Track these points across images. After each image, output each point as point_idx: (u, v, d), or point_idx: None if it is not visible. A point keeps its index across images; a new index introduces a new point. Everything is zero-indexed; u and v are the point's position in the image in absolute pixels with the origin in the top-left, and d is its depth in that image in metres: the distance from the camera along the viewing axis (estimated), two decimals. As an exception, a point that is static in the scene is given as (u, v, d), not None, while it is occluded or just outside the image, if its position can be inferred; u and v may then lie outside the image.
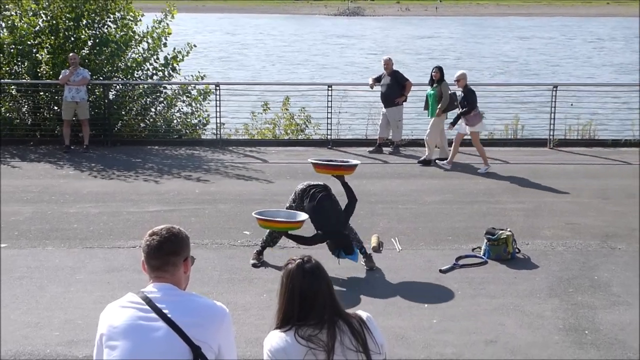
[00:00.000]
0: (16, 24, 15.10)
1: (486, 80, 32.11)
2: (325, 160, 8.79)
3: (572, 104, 16.72)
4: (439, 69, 13.66)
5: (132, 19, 15.86)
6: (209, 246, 9.13)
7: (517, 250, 8.85)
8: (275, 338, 3.16)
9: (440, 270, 8.34)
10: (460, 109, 13.12)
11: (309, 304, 3.17)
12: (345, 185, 8.38)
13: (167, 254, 3.24)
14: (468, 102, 12.97)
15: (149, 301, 3.16)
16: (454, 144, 13.36)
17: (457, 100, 13.35)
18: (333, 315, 3.18)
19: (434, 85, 13.63)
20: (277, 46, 54.28)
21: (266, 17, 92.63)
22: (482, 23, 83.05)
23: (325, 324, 3.14)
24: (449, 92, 13.42)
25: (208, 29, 69.60)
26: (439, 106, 13.43)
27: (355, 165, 8.51)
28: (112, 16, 15.76)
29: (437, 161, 13.61)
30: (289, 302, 3.19)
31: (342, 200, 8.33)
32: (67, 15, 15.20)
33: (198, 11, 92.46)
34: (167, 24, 15.87)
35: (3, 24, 15.36)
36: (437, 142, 13.81)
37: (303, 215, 7.94)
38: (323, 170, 8.51)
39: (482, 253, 8.80)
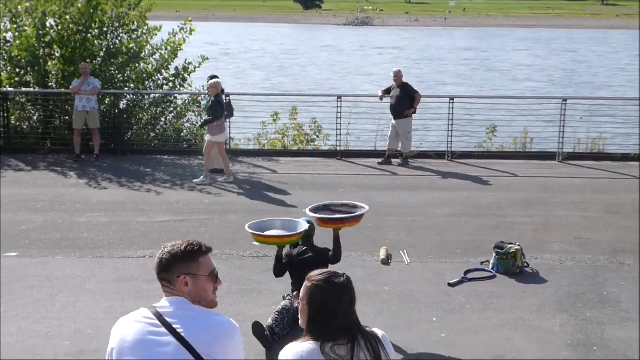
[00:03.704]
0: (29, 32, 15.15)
1: (555, 93, 31.97)
2: (327, 207, 7.13)
3: (581, 118, 16.70)
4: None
5: (146, 33, 15.89)
6: (219, 257, 9.14)
7: (525, 265, 8.85)
8: (292, 351, 3.18)
9: (449, 284, 8.35)
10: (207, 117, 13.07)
11: (333, 316, 3.18)
12: (337, 239, 7.01)
13: (160, 271, 3.28)
14: (213, 112, 12.85)
15: (159, 316, 3.19)
16: (220, 154, 13.18)
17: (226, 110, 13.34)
18: (354, 330, 3.21)
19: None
20: (324, 56, 54.38)
21: (286, 27, 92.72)
22: (513, 34, 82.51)
23: (346, 338, 3.17)
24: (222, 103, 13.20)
25: (250, 39, 69.70)
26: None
27: (362, 216, 6.95)
28: (125, 28, 15.81)
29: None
30: (317, 314, 3.20)
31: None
32: (79, 27, 15.26)
33: (208, 20, 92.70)
34: (183, 38, 15.88)
35: (12, 35, 15.43)
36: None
37: (303, 225, 6.87)
38: (327, 225, 6.95)
39: (490, 267, 8.81)
